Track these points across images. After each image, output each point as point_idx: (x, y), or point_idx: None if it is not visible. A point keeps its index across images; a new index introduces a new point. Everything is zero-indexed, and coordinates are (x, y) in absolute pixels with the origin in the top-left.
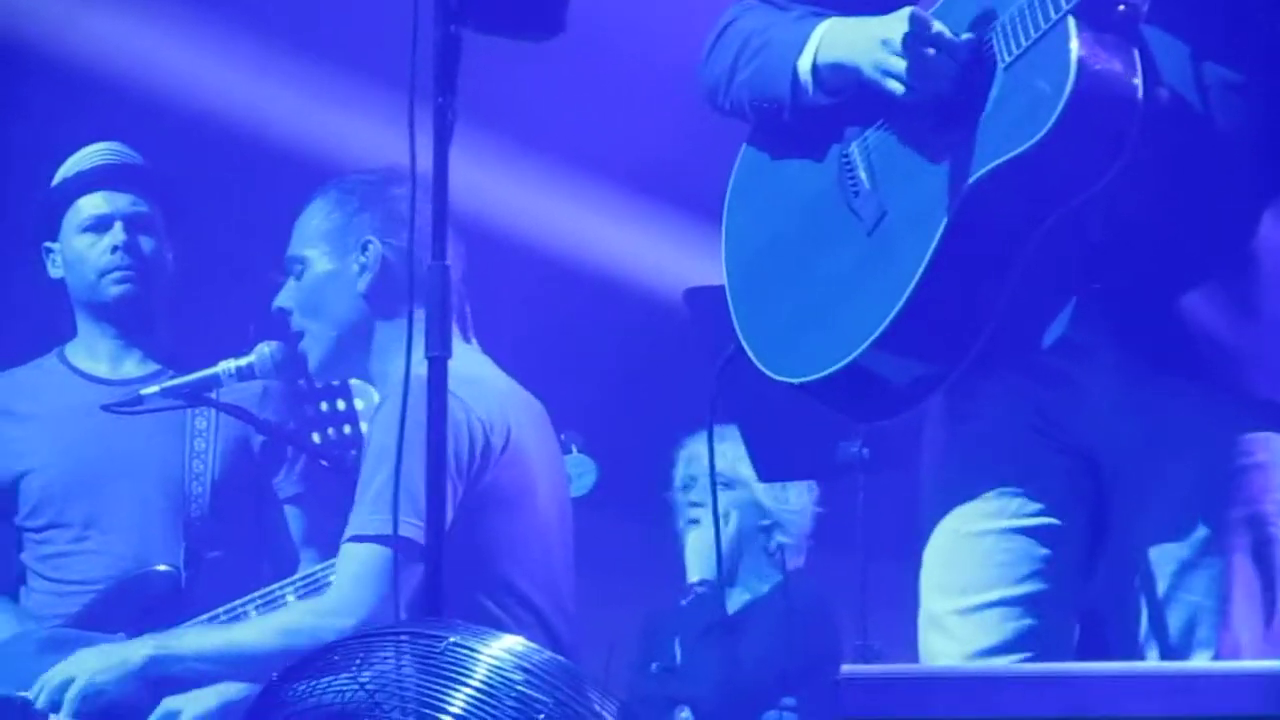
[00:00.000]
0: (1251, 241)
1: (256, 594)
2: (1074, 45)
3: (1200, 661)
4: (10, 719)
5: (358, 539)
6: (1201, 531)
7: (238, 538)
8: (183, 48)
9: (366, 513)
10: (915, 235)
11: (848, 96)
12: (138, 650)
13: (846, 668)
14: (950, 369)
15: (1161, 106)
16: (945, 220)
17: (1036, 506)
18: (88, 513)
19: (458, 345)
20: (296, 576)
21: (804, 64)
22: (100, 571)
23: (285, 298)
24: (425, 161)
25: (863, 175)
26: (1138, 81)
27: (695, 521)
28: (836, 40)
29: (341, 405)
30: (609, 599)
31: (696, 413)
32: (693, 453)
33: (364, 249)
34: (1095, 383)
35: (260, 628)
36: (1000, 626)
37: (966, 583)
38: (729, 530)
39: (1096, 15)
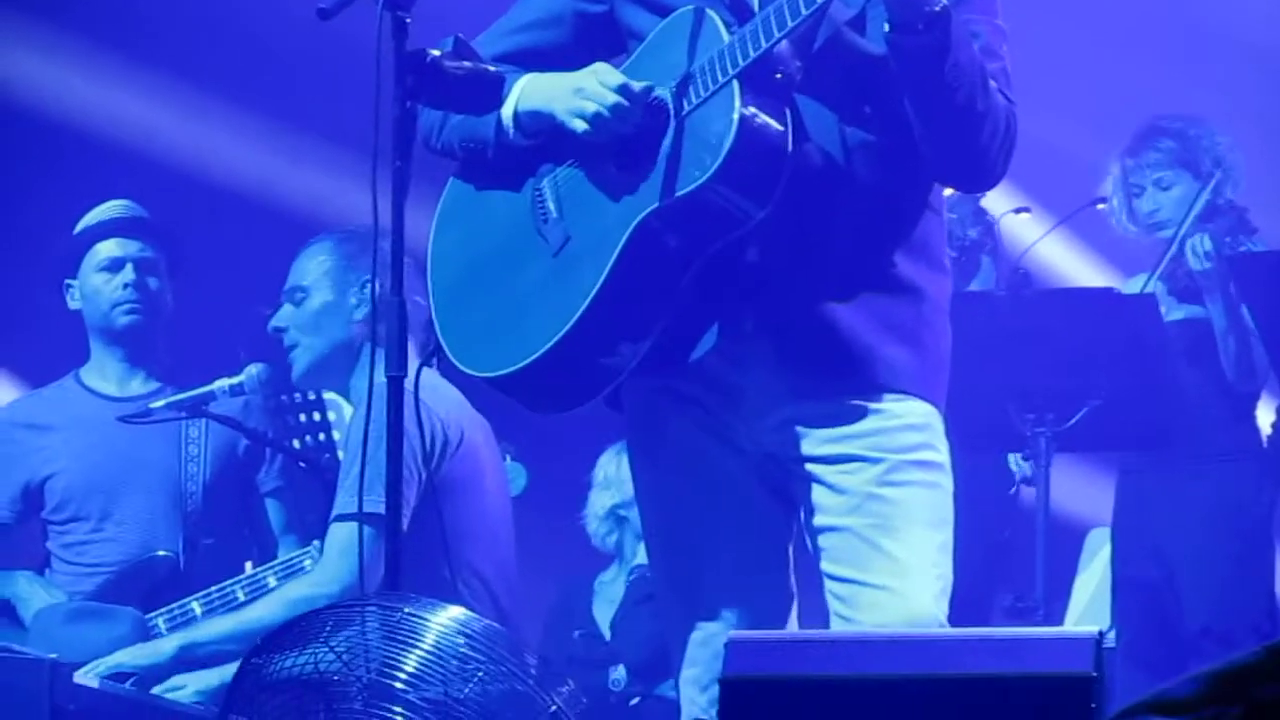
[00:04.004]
0: (885, 268)
1: (244, 576)
2: (737, 103)
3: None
4: (40, 675)
5: (340, 518)
6: (852, 485)
7: (227, 528)
8: (184, 120)
9: (346, 496)
10: (594, 257)
11: (543, 139)
12: (168, 643)
13: (734, 634)
14: (621, 369)
15: (810, 159)
16: (620, 245)
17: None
18: (103, 508)
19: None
20: (277, 561)
21: (506, 111)
22: (113, 556)
23: (282, 319)
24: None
25: (551, 206)
26: (789, 136)
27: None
28: (535, 91)
29: (318, 416)
30: (542, 578)
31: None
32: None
33: (363, 286)
34: (752, 384)
35: (267, 604)
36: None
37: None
38: None
39: (757, 80)
